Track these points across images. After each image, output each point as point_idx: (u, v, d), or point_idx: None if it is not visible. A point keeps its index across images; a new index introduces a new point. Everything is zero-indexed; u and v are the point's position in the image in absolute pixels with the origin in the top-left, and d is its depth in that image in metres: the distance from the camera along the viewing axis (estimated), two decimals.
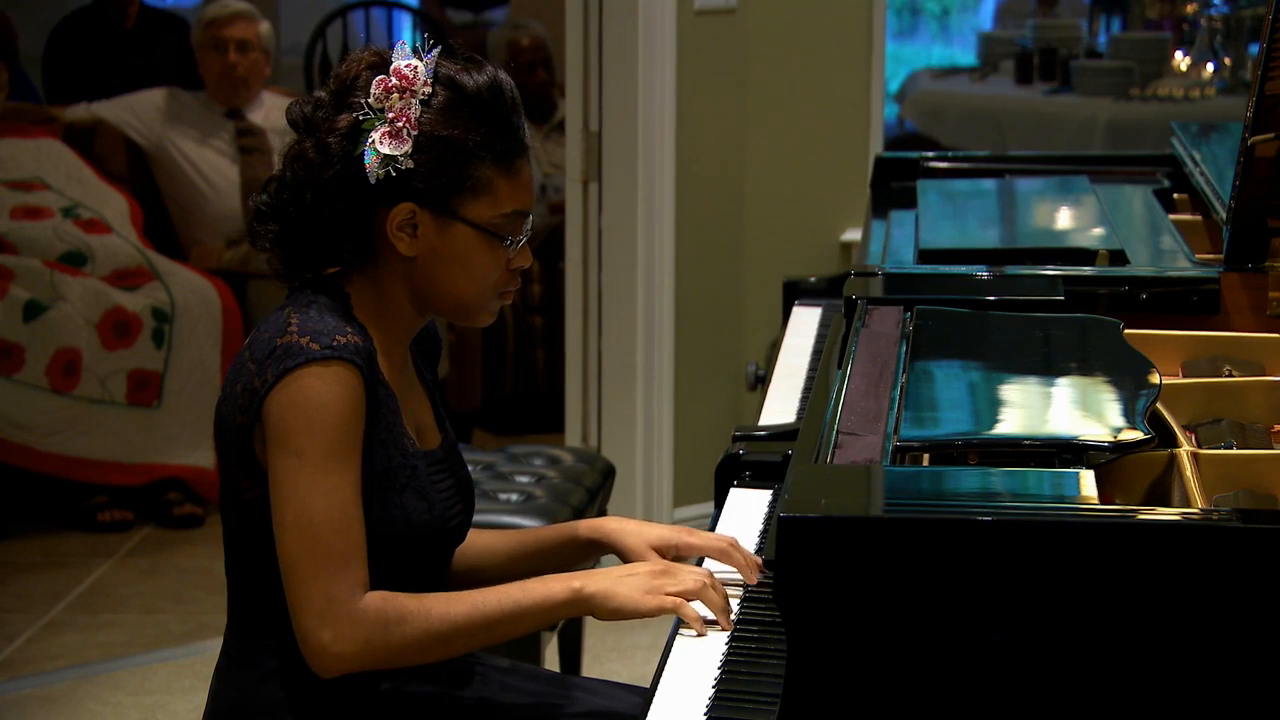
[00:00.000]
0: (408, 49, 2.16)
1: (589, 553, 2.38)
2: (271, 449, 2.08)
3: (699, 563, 2.31)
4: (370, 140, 2.12)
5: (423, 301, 2.21)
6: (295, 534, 2.06)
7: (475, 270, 2.18)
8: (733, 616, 2.13)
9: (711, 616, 2.11)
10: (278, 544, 2.08)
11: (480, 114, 2.15)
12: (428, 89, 2.13)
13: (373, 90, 2.13)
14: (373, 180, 2.12)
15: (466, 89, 2.14)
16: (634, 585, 2.12)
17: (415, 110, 2.12)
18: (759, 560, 2.26)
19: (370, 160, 2.11)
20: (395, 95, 2.12)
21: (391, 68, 2.14)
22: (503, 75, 2.18)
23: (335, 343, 2.09)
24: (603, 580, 2.13)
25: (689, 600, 2.12)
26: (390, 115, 2.12)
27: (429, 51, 2.15)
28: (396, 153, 2.11)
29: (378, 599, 2.08)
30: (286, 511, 2.07)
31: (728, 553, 2.26)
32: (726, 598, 2.14)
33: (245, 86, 5.71)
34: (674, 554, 2.29)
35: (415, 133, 2.12)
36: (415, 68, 2.13)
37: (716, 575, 2.20)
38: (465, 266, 2.17)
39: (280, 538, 2.08)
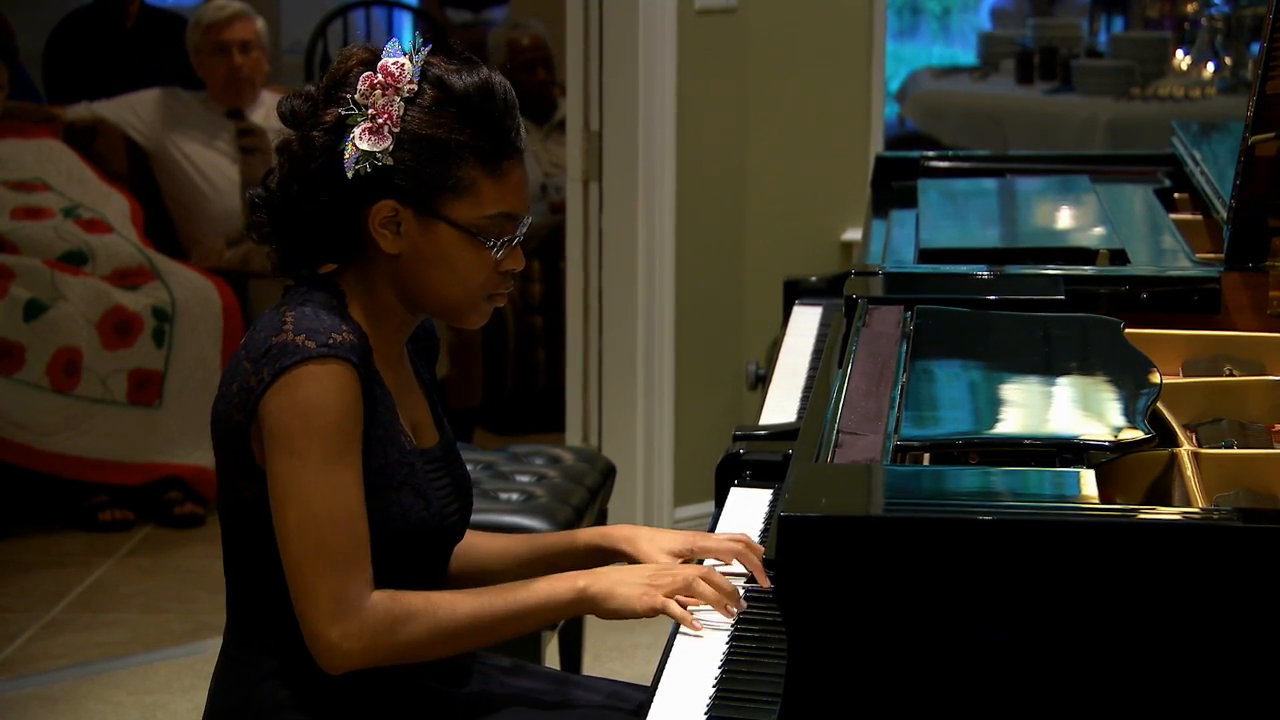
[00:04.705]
0: (399, 47, 2.16)
1: (599, 561, 2.38)
2: (270, 450, 2.08)
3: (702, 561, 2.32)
4: (351, 136, 2.12)
5: (411, 300, 2.20)
6: (300, 535, 2.06)
7: (459, 271, 2.17)
8: (736, 609, 2.12)
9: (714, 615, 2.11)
10: (281, 546, 2.08)
11: (467, 115, 2.14)
12: (413, 87, 2.13)
13: (359, 86, 2.13)
14: (349, 175, 2.12)
15: (454, 89, 2.14)
16: (632, 585, 2.13)
17: (398, 108, 2.12)
18: None
19: (348, 154, 2.11)
20: (379, 92, 2.12)
21: (379, 64, 2.14)
22: (496, 77, 2.18)
23: (331, 341, 2.08)
24: (605, 580, 2.14)
25: (683, 594, 2.12)
26: (372, 111, 2.12)
27: (420, 50, 2.15)
28: (375, 149, 2.11)
29: (385, 597, 2.08)
30: (290, 513, 2.07)
31: (743, 555, 2.25)
32: (727, 589, 2.13)
33: (251, 86, 5.72)
34: (689, 559, 2.29)
35: (397, 130, 2.12)
36: (403, 65, 2.13)
37: (726, 570, 2.22)
38: (449, 267, 2.17)
39: (284, 540, 2.07)
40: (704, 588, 2.12)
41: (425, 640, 2.10)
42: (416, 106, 2.13)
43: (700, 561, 2.31)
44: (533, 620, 2.14)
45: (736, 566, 2.28)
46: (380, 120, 2.11)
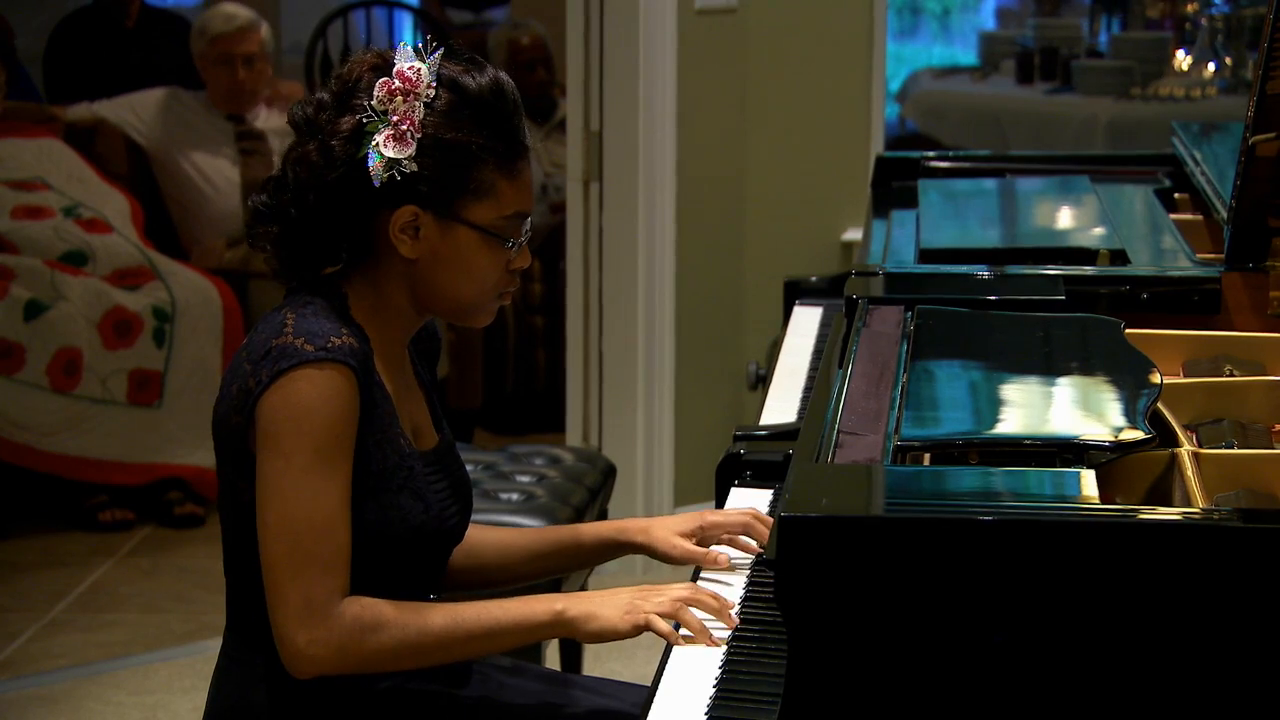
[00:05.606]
0: (410, 50, 2.15)
1: (611, 554, 2.39)
2: (260, 449, 2.08)
3: (696, 574, 2.32)
4: (374, 143, 2.11)
5: (422, 302, 2.21)
6: (277, 535, 2.06)
7: (476, 272, 2.18)
8: (727, 626, 2.12)
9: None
10: (260, 544, 2.08)
11: (482, 116, 2.14)
12: (430, 91, 2.13)
13: (376, 92, 2.12)
14: (377, 183, 2.11)
15: (469, 91, 2.14)
16: (615, 606, 2.12)
17: (419, 113, 2.12)
18: None
19: (374, 163, 2.11)
20: (399, 98, 2.12)
21: (394, 70, 2.13)
22: (504, 76, 2.18)
23: (330, 344, 2.08)
24: (585, 603, 2.12)
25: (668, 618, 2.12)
26: (394, 118, 2.12)
27: (431, 53, 2.15)
28: (400, 156, 2.11)
29: (356, 605, 2.08)
30: (270, 512, 2.07)
31: (752, 526, 2.32)
32: (713, 606, 2.13)
33: (253, 96, 5.73)
34: (701, 536, 2.34)
35: (419, 135, 2.12)
36: (418, 70, 2.13)
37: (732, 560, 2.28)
38: (466, 268, 2.17)
39: (262, 538, 2.08)
40: (689, 616, 2.10)
41: (393, 652, 2.09)
42: (434, 111, 2.13)
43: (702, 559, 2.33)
44: (507, 640, 2.12)
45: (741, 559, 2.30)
46: (404, 127, 2.11)
